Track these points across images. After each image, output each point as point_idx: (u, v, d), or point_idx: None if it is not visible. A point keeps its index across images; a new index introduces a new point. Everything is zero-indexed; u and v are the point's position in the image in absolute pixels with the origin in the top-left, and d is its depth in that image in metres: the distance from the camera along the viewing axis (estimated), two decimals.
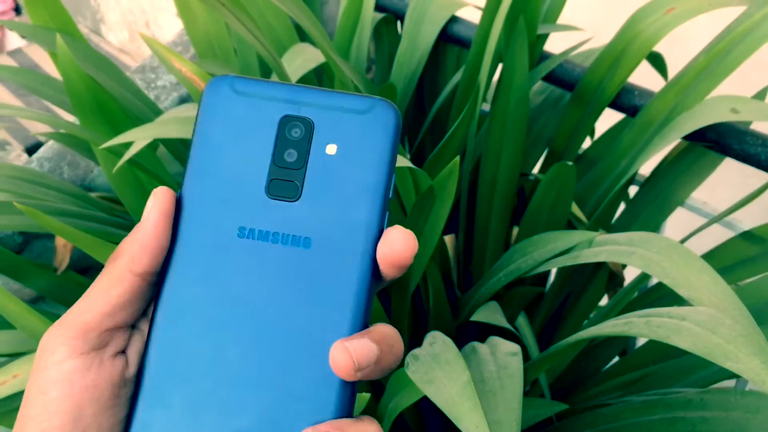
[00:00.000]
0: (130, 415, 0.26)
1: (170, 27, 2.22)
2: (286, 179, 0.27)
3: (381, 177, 0.27)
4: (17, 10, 2.86)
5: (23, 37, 2.76)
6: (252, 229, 0.26)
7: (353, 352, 0.25)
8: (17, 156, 1.78)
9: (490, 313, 0.62)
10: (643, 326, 0.50)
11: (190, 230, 0.27)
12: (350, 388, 0.26)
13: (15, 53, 2.62)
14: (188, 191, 0.27)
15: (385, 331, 0.26)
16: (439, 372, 0.49)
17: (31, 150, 2.21)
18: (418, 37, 0.82)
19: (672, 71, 0.83)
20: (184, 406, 0.25)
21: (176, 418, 0.25)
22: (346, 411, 0.26)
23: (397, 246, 0.26)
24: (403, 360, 0.54)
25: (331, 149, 0.27)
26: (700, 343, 0.47)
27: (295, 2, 0.65)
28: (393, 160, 0.27)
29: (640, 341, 0.89)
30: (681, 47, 0.94)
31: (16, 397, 0.57)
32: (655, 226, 0.76)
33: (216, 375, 0.26)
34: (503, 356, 0.54)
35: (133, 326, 0.27)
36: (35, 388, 0.25)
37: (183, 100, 0.87)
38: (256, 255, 0.26)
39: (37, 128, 2.23)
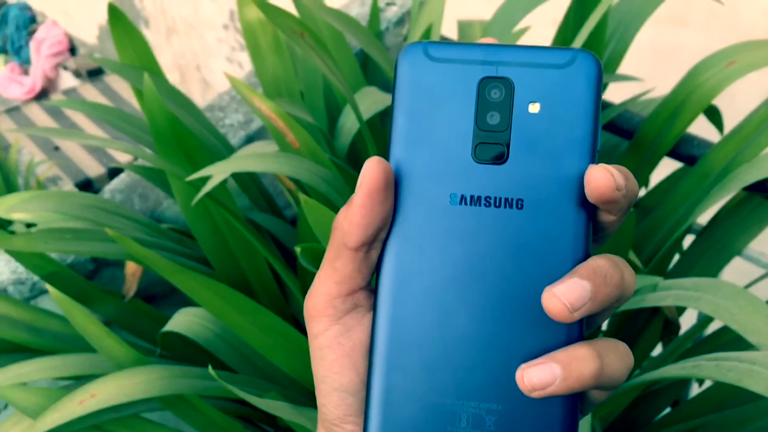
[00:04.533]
0: (369, 381, 0.27)
1: (220, 70, 2.28)
2: (491, 142, 0.27)
3: (587, 131, 0.27)
4: (72, 51, 2.97)
5: (77, 77, 2.85)
6: (463, 195, 0.27)
7: (561, 295, 0.25)
8: (69, 190, 1.83)
9: None
10: (713, 369, 0.51)
11: (405, 202, 0.27)
12: (577, 329, 0.26)
13: (69, 92, 2.71)
14: (396, 163, 0.27)
15: (595, 264, 0.26)
16: None
17: (80, 185, 2.27)
18: None
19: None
20: (420, 369, 0.27)
21: (414, 382, 0.27)
22: None
23: (592, 183, 0.25)
24: None
25: (534, 108, 0.27)
26: None
27: (369, 38, 0.68)
28: (597, 112, 0.27)
29: (694, 392, 0.88)
30: (729, 102, 0.95)
31: (94, 416, 0.59)
32: (712, 275, 0.77)
33: (447, 338, 0.26)
34: None
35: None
36: (315, 354, 0.28)
37: (250, 138, 0.90)
38: (470, 221, 0.27)
39: (88, 164, 2.30)
